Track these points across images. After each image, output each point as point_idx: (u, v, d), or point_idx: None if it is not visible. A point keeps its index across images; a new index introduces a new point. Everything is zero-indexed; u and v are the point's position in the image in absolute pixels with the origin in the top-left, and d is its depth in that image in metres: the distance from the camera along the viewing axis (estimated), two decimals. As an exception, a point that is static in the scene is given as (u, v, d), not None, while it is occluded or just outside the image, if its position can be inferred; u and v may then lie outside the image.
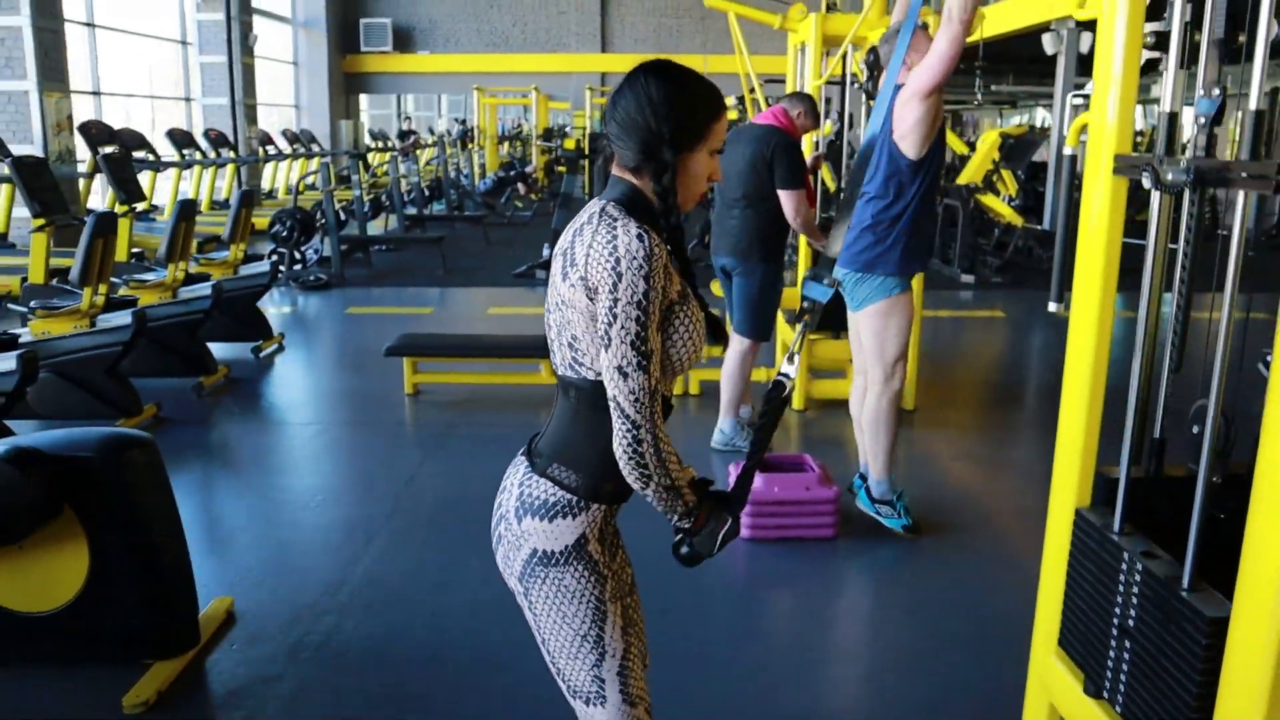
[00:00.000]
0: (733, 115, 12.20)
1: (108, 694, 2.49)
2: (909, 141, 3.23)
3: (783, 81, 6.14)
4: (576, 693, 1.54)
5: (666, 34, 20.86)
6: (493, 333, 6.49)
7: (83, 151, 10.36)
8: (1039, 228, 10.16)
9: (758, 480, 3.47)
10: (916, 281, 3.61)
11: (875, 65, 3.72)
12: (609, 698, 1.52)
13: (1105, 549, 1.74)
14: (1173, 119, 1.70)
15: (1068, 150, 6.06)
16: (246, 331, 6.35)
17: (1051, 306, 4.42)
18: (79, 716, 2.50)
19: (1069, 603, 1.87)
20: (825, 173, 5.74)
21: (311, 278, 9.04)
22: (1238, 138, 1.56)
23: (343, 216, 10.73)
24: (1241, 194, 1.50)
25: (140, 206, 7.87)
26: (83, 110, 11.87)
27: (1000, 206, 9.90)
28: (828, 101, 5.52)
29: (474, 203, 15.39)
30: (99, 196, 10.79)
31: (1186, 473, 1.75)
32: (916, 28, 3.37)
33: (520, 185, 16.37)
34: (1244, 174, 1.47)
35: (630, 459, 1.38)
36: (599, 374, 1.43)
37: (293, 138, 15.87)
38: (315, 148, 16.03)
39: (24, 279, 6.30)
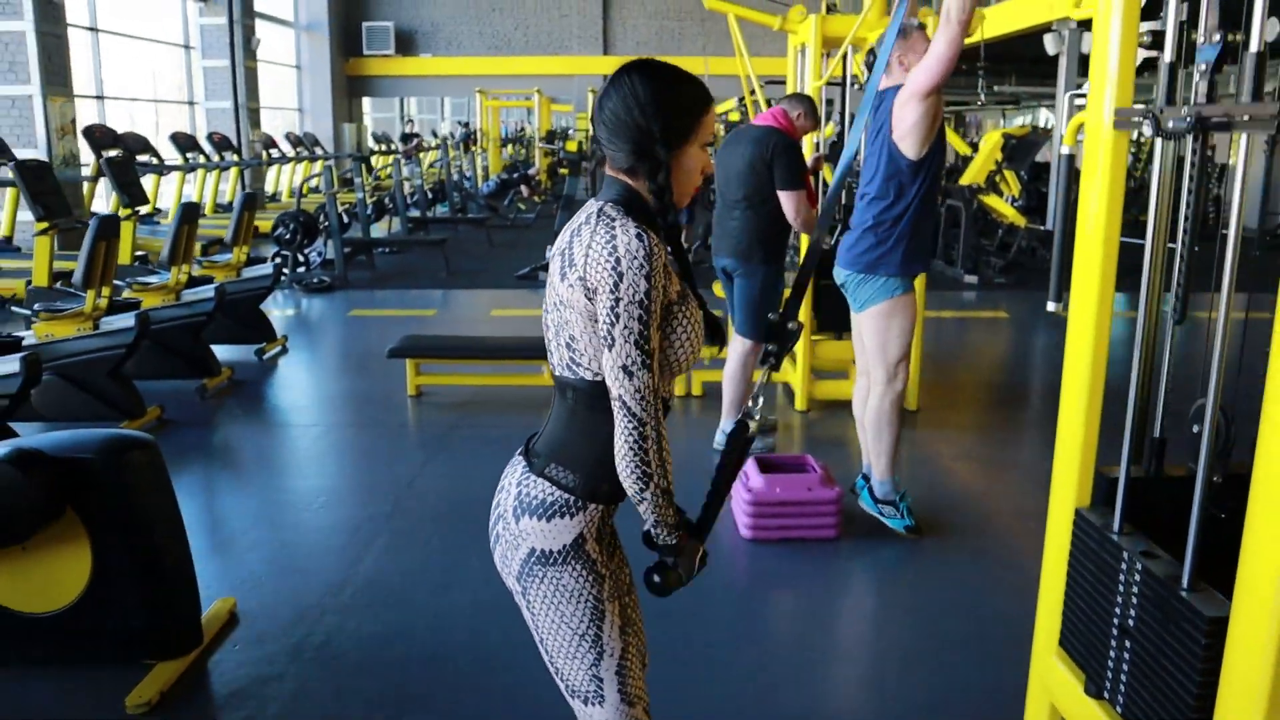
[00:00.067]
0: (734, 117, 12.22)
1: (110, 694, 2.50)
2: (909, 142, 3.23)
3: (783, 83, 6.14)
4: (575, 692, 1.54)
5: (668, 36, 20.89)
6: (495, 334, 6.50)
7: (87, 155, 10.39)
8: (1042, 228, 10.15)
9: (760, 481, 3.48)
10: (919, 282, 3.62)
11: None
12: (607, 697, 1.52)
13: (1105, 549, 1.74)
14: (1173, 69, 1.69)
15: (1065, 150, 6.05)
16: (250, 334, 6.37)
17: (1050, 306, 4.40)
18: (81, 717, 2.50)
19: (1069, 603, 1.87)
20: (827, 173, 5.74)
21: (315, 280, 9.06)
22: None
23: (346, 219, 10.74)
24: (1239, 195, 1.50)
25: (144, 210, 7.88)
26: (87, 114, 11.90)
27: (1003, 207, 9.89)
28: (829, 103, 5.52)
29: (477, 205, 15.40)
30: (103, 200, 10.82)
31: (1186, 472, 1.75)
32: (914, 28, 3.37)
33: (523, 187, 16.38)
34: (1246, 116, 1.45)
35: (634, 457, 1.38)
36: (596, 374, 1.43)
37: (296, 141, 15.89)
38: (318, 151, 16.05)
39: (28, 282, 6.33)
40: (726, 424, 4.43)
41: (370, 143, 19.89)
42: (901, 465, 3.82)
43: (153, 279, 6.24)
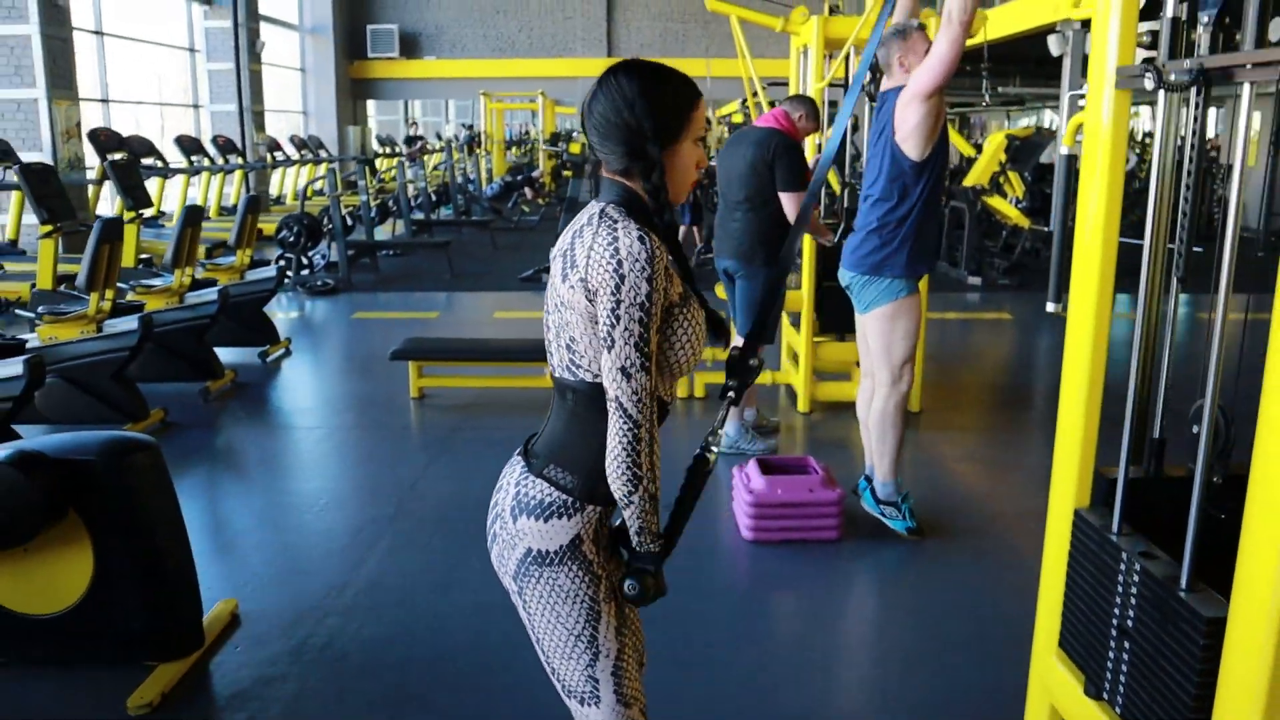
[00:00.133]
0: (737, 119, 12.23)
1: (111, 696, 2.51)
2: (911, 143, 3.23)
3: (786, 84, 6.15)
4: (571, 692, 1.54)
5: (671, 38, 20.90)
6: (498, 337, 6.51)
7: (92, 158, 10.43)
8: (1046, 229, 10.12)
9: (761, 482, 3.47)
10: (922, 284, 3.61)
11: (877, 67, 3.72)
12: (603, 698, 1.52)
13: (1104, 549, 1.74)
14: (1175, 24, 1.67)
15: (1065, 150, 6.04)
16: (253, 336, 6.38)
17: (1050, 306, 4.39)
18: (82, 718, 2.51)
19: (1069, 604, 1.87)
20: (830, 174, 5.74)
21: (318, 283, 9.08)
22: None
23: (350, 222, 10.78)
24: (1236, 194, 1.49)
25: (148, 213, 7.90)
26: (92, 117, 11.94)
27: (1007, 208, 9.88)
28: (832, 104, 5.52)
29: (481, 207, 15.42)
30: (107, 203, 10.85)
31: (1186, 473, 1.75)
32: (915, 29, 3.37)
33: (527, 190, 16.40)
34: (1249, 65, 1.43)
35: (626, 458, 1.38)
36: (596, 376, 1.43)
37: (300, 144, 15.94)
38: (323, 153, 16.10)
39: (32, 285, 6.35)
40: (729, 427, 4.43)
41: (374, 145, 19.94)
42: (904, 466, 3.81)
43: (156, 282, 6.26)
